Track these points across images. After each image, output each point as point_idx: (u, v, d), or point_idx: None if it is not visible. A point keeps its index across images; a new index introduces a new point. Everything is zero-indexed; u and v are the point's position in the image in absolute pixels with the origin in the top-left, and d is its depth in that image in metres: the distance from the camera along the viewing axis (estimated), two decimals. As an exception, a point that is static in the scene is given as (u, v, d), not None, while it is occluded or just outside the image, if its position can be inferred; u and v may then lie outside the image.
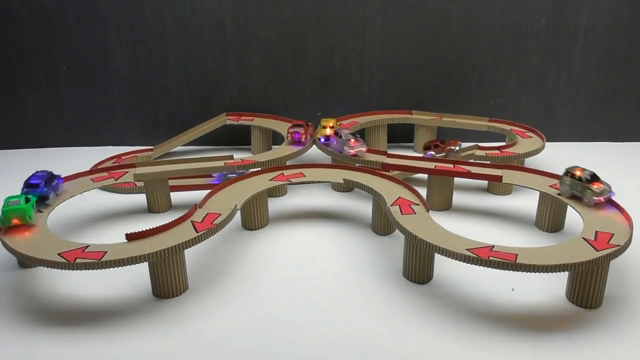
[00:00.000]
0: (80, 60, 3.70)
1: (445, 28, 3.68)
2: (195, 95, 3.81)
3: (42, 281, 2.32)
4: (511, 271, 2.02)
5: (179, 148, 3.73)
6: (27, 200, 2.33)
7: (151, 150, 3.58)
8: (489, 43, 3.72)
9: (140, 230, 2.18)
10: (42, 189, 2.51)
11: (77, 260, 2.03)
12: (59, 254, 2.07)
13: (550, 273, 2.01)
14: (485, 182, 3.17)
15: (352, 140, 2.99)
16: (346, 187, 3.10)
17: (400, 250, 2.39)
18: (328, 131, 3.20)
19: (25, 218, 2.27)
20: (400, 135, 3.82)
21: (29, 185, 2.53)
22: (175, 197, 3.00)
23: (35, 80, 3.74)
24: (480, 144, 3.16)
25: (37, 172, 2.62)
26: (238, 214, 2.66)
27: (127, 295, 2.23)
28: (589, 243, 2.11)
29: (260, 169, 2.90)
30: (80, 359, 1.90)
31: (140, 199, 3.00)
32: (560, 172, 2.80)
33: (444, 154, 3.11)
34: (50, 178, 2.59)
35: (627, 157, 3.70)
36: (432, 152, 3.13)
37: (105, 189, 3.10)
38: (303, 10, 3.62)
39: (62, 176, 2.72)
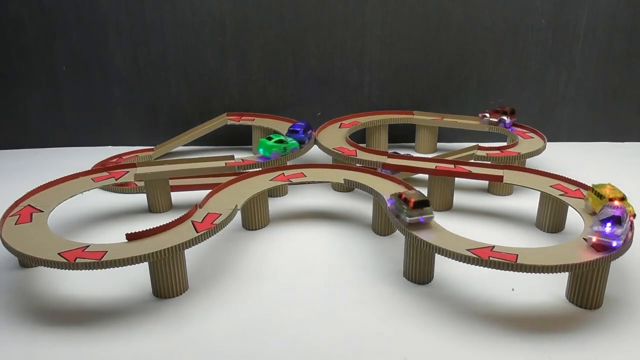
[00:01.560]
0: (80, 60, 3.71)
1: (445, 28, 3.68)
2: (195, 95, 3.81)
3: (42, 281, 2.32)
4: (512, 272, 2.02)
5: (180, 148, 3.74)
6: (280, 141, 3.01)
7: (152, 150, 3.58)
8: (489, 43, 3.72)
9: (141, 230, 2.18)
10: (300, 135, 3.14)
11: (78, 260, 2.03)
12: (59, 254, 2.07)
13: (550, 274, 2.01)
14: (485, 183, 3.17)
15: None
16: (347, 187, 3.11)
17: (401, 251, 2.39)
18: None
19: (261, 149, 2.99)
20: (402, 135, 3.82)
21: (291, 131, 3.17)
22: (176, 197, 3.00)
23: (35, 80, 3.74)
24: (481, 144, 3.16)
25: (297, 122, 3.27)
26: (238, 214, 2.66)
27: (127, 295, 2.23)
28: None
29: (260, 169, 2.90)
30: (80, 359, 1.89)
31: (141, 198, 3.00)
32: (560, 172, 2.81)
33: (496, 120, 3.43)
34: (307, 128, 3.20)
35: (627, 157, 3.71)
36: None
37: (105, 188, 3.10)
38: (303, 10, 3.62)
39: (64, 175, 2.75)
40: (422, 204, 2.22)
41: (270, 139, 3.00)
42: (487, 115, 3.53)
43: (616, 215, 2.06)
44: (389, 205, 2.38)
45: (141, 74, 3.75)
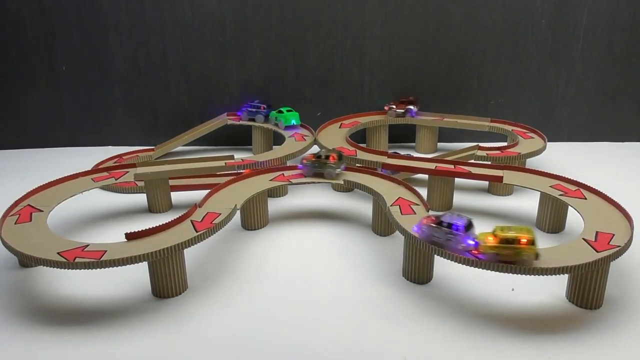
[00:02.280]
0: (80, 60, 3.71)
1: (445, 28, 3.68)
2: (195, 95, 3.81)
3: (42, 281, 2.32)
4: (511, 273, 2.02)
5: (180, 148, 3.74)
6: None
7: (152, 150, 3.58)
8: (489, 43, 3.72)
9: (140, 230, 2.18)
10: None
11: (77, 260, 2.03)
12: (58, 253, 2.07)
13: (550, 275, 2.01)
14: (485, 183, 3.17)
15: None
16: (346, 188, 3.10)
17: (400, 251, 2.39)
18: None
19: (293, 120, 3.45)
20: (402, 135, 3.82)
21: (266, 107, 3.56)
22: (176, 196, 3.00)
23: (35, 80, 3.74)
24: (481, 144, 3.15)
25: (253, 101, 3.59)
26: (238, 214, 2.66)
27: (127, 294, 2.22)
28: (589, 244, 2.11)
29: (260, 169, 2.90)
30: (80, 358, 1.89)
31: (141, 198, 3.00)
32: (560, 172, 2.81)
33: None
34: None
35: (627, 157, 3.70)
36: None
37: (105, 188, 3.10)
38: (303, 10, 3.62)
39: (64, 175, 2.77)
40: (340, 157, 2.78)
41: (290, 111, 3.45)
42: (394, 107, 3.63)
43: (447, 221, 2.08)
44: (301, 169, 2.81)
45: (141, 74, 3.75)
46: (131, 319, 2.09)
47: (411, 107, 3.61)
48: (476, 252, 2.03)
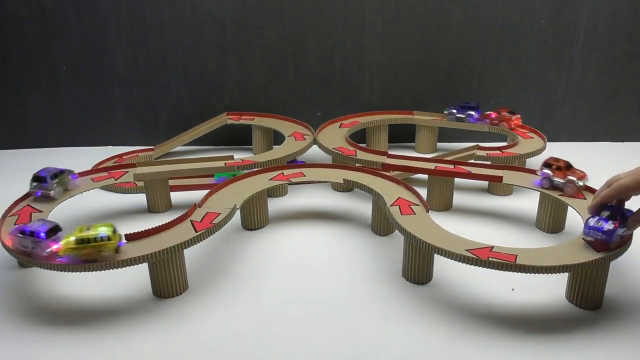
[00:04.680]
0: (80, 60, 3.71)
1: (445, 28, 3.68)
2: (195, 95, 3.81)
3: (42, 281, 2.32)
4: (511, 272, 2.02)
5: (180, 148, 3.74)
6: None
7: (152, 150, 3.58)
8: (489, 43, 3.72)
9: (140, 231, 2.18)
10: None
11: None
12: (58, 254, 2.07)
13: (549, 274, 2.01)
14: (485, 183, 3.17)
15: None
16: (346, 187, 3.11)
17: (400, 251, 2.39)
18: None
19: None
20: (402, 135, 3.82)
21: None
22: (176, 196, 3.00)
23: (35, 80, 3.74)
24: (481, 144, 3.15)
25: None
26: (238, 214, 2.66)
27: (127, 295, 2.23)
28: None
29: (260, 168, 2.90)
30: (80, 358, 1.90)
31: (141, 198, 3.00)
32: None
33: (562, 181, 2.57)
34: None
35: (627, 157, 3.70)
36: (549, 172, 2.61)
37: (105, 188, 3.10)
38: (303, 10, 3.62)
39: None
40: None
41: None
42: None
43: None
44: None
45: (141, 74, 3.75)
46: (131, 319, 2.09)
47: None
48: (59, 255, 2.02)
